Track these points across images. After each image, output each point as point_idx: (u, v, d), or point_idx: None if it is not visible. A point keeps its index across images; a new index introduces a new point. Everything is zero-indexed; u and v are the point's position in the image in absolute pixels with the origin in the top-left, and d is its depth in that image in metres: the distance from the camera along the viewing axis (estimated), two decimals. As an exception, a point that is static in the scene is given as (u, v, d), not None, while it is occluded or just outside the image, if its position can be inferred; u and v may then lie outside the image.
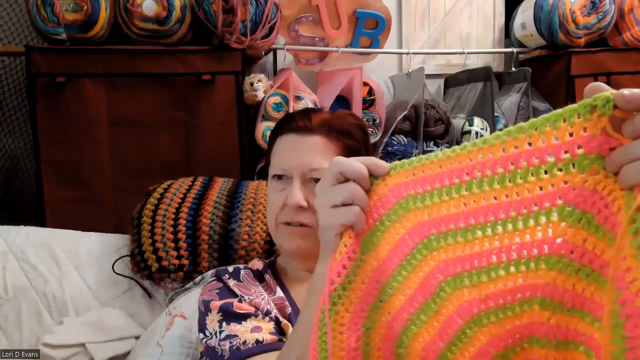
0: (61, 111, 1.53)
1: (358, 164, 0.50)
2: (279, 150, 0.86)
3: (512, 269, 0.43)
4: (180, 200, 1.26)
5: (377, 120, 1.80)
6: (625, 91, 0.36)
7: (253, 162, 1.69)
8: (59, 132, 1.54)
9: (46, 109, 1.52)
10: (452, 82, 2.07)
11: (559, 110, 0.39)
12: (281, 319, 0.79)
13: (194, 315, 1.03)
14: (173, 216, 1.22)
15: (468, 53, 1.99)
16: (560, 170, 0.39)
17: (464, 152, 0.43)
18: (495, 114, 1.81)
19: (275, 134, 0.89)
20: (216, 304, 0.79)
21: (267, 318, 0.77)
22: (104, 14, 1.52)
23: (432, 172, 0.46)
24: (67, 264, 1.29)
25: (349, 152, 0.85)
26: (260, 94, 1.60)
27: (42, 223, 1.52)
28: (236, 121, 1.62)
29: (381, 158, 1.75)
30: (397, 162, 0.49)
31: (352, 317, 0.50)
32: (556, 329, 0.42)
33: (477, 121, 1.77)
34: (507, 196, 0.42)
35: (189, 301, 1.10)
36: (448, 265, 0.47)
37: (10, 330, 1.20)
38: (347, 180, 0.51)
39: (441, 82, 2.14)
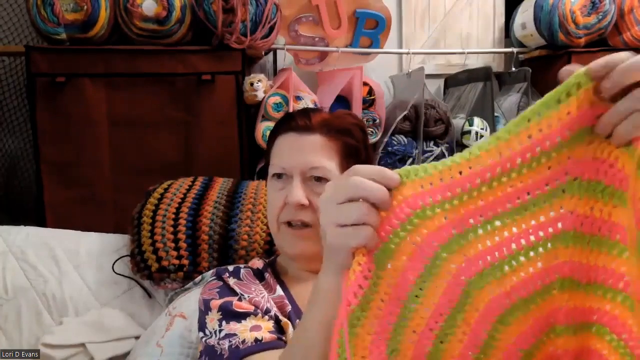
0: (61, 111, 1.53)
1: (377, 187, 0.45)
2: (279, 150, 0.86)
3: (532, 253, 0.44)
4: (180, 200, 1.26)
5: (377, 120, 1.80)
6: (594, 63, 0.40)
7: (253, 162, 1.69)
8: (59, 132, 1.53)
9: (46, 109, 1.52)
10: (452, 82, 2.07)
11: (547, 98, 0.41)
12: (281, 317, 0.79)
13: (194, 315, 1.03)
14: (173, 216, 1.22)
15: (468, 53, 1.99)
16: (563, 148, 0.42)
17: (483, 152, 0.43)
18: (495, 114, 1.81)
19: (275, 133, 0.89)
20: (216, 303, 0.79)
21: (266, 317, 0.77)
22: (104, 14, 1.52)
23: (453, 179, 0.44)
24: (67, 264, 1.29)
25: (348, 150, 0.85)
26: (260, 94, 1.60)
27: (42, 223, 1.52)
28: (236, 121, 1.62)
29: (381, 158, 1.77)
30: (408, 169, 0.46)
31: (374, 340, 0.46)
32: (573, 311, 0.44)
33: (477, 121, 1.77)
34: (521, 182, 0.43)
35: (189, 301, 1.10)
36: (470, 263, 0.45)
37: (10, 330, 1.20)
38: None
39: (441, 82, 2.14)
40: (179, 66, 1.58)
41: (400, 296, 0.47)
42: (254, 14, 1.59)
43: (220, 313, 0.77)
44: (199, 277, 1.16)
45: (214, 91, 1.60)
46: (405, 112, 1.75)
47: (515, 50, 1.97)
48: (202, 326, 0.79)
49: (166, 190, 1.30)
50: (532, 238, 0.44)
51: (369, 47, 1.89)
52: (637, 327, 0.40)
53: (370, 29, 1.86)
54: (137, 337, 1.18)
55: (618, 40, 1.85)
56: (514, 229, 0.44)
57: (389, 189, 0.46)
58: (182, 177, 1.39)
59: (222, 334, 0.74)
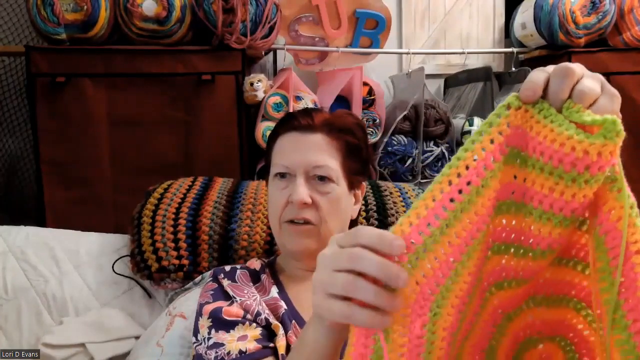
0: (61, 111, 1.53)
1: (378, 263, 0.40)
2: (281, 149, 0.86)
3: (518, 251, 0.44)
4: (180, 200, 1.25)
5: (377, 120, 1.80)
6: (527, 87, 0.42)
7: (253, 162, 1.70)
8: (59, 132, 1.54)
9: (46, 109, 1.52)
10: (452, 82, 2.08)
11: (486, 120, 0.42)
12: (272, 320, 0.79)
13: (193, 315, 1.02)
14: (173, 216, 1.22)
15: (468, 53, 1.99)
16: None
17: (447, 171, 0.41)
18: (495, 114, 1.81)
19: (276, 133, 0.89)
20: (207, 308, 0.80)
21: (254, 324, 0.78)
22: (104, 14, 1.52)
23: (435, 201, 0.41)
24: (67, 264, 1.29)
25: (350, 149, 0.86)
26: (260, 94, 1.60)
27: (42, 223, 1.52)
28: (236, 121, 1.62)
29: (381, 158, 1.77)
30: (402, 225, 0.41)
31: None
32: (552, 283, 0.45)
33: (477, 121, 1.77)
34: (475, 214, 0.42)
35: (189, 301, 1.10)
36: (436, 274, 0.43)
37: (10, 330, 1.20)
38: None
39: (441, 82, 2.14)
40: (179, 66, 1.58)
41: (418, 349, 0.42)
42: (254, 14, 1.59)
43: (210, 320, 0.79)
44: (199, 277, 1.16)
45: (214, 91, 1.60)
46: (405, 112, 1.75)
47: (515, 50, 1.97)
48: (195, 330, 0.81)
49: (166, 190, 1.30)
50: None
51: (369, 47, 1.89)
52: (595, 304, 0.41)
53: (370, 29, 1.86)
54: (137, 337, 1.18)
55: (618, 40, 1.85)
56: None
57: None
58: (182, 177, 1.39)
59: (211, 342, 0.76)
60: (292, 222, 0.83)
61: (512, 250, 0.42)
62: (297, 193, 0.80)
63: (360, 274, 0.41)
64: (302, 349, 0.53)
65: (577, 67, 0.42)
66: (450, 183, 0.41)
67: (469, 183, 0.40)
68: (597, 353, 0.44)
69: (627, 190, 0.38)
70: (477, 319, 0.46)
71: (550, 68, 0.43)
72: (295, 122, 0.86)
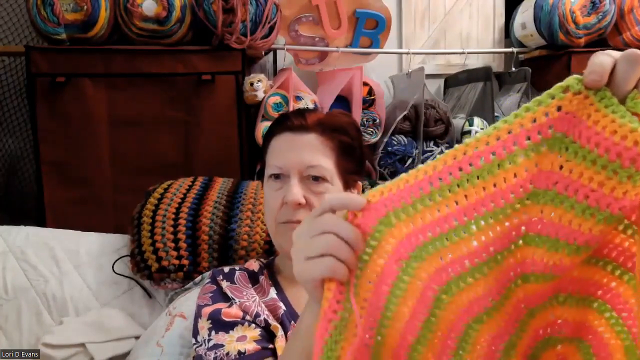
0: (61, 111, 1.53)
1: (345, 226, 0.46)
2: (275, 150, 0.86)
3: (521, 242, 0.42)
4: (180, 200, 1.25)
5: (377, 120, 1.80)
6: (594, 72, 0.39)
7: (253, 162, 1.69)
8: (59, 132, 1.54)
9: (46, 109, 1.52)
10: (452, 82, 2.07)
11: (536, 98, 0.40)
12: (271, 320, 0.79)
13: (193, 315, 1.03)
14: (173, 216, 1.22)
15: (468, 53, 1.99)
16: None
17: (450, 151, 0.42)
18: (495, 114, 1.81)
19: (270, 134, 0.89)
20: (207, 310, 0.80)
21: (253, 325, 0.78)
22: (104, 14, 1.52)
23: (413, 181, 0.43)
24: (67, 264, 1.29)
25: (344, 149, 0.85)
26: (260, 94, 1.60)
27: (42, 223, 1.52)
28: (236, 121, 1.62)
29: (381, 158, 1.77)
30: (376, 189, 0.45)
31: (356, 357, 0.44)
32: (579, 282, 0.43)
33: (477, 121, 1.77)
34: (495, 185, 0.41)
35: (189, 301, 1.10)
36: (445, 269, 0.44)
37: (10, 330, 1.20)
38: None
39: (441, 82, 2.14)
40: (179, 66, 1.58)
41: (372, 324, 0.45)
42: (254, 14, 1.59)
43: (209, 322, 0.79)
44: (199, 277, 1.16)
45: (214, 91, 1.60)
46: (405, 112, 1.75)
47: (515, 50, 1.97)
48: (195, 332, 0.81)
49: (166, 190, 1.30)
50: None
51: (369, 47, 1.89)
52: (638, 308, 0.39)
53: (370, 29, 1.86)
54: (137, 337, 1.18)
55: (618, 40, 1.85)
56: (490, 234, 0.43)
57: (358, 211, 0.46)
58: (182, 177, 1.39)
59: (211, 343, 0.76)
60: (287, 222, 0.83)
61: (547, 244, 0.40)
62: (291, 194, 0.80)
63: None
64: (297, 335, 0.55)
65: None
66: (465, 153, 0.41)
67: (493, 153, 0.40)
68: (616, 358, 0.43)
69: None
70: (498, 308, 0.44)
71: (615, 52, 0.39)
72: (288, 122, 0.85)
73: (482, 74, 1.86)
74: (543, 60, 1.93)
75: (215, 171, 1.48)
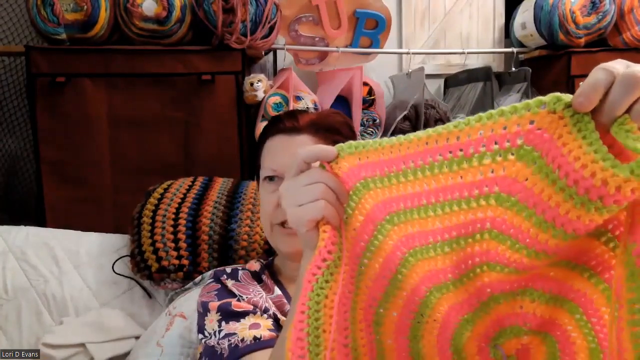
0: (61, 111, 1.53)
1: (325, 148, 0.51)
2: (269, 152, 0.86)
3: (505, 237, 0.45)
4: (180, 200, 1.25)
5: (377, 120, 1.80)
6: (583, 94, 0.36)
7: (253, 162, 1.69)
8: (59, 132, 1.54)
9: (46, 109, 1.52)
10: (452, 82, 2.07)
11: (514, 105, 0.41)
12: (280, 316, 0.79)
13: (194, 315, 1.03)
14: (173, 216, 1.22)
15: (468, 53, 1.99)
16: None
17: (424, 135, 0.46)
18: (495, 114, 1.81)
19: (264, 137, 0.89)
20: (215, 304, 0.80)
21: (265, 315, 0.78)
22: (104, 14, 1.52)
23: (387, 157, 0.48)
24: (67, 264, 1.29)
25: None
26: (260, 94, 1.60)
27: (42, 223, 1.52)
28: (236, 121, 1.62)
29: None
30: (344, 144, 0.51)
31: (341, 299, 0.50)
32: (554, 282, 0.45)
33: (477, 121, 1.77)
34: (461, 177, 0.44)
35: (189, 301, 1.10)
36: (413, 237, 0.48)
37: (10, 330, 1.20)
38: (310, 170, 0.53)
39: (441, 82, 2.14)
40: (179, 66, 1.58)
41: (354, 268, 0.50)
42: (254, 14, 1.59)
43: (219, 314, 0.78)
44: (199, 277, 1.16)
45: (214, 91, 1.60)
46: (405, 112, 1.75)
47: (515, 50, 1.97)
48: (201, 328, 0.80)
49: (166, 190, 1.30)
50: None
51: (369, 47, 1.89)
52: (609, 317, 0.41)
53: (370, 29, 1.86)
54: (137, 337, 1.18)
55: (618, 40, 1.85)
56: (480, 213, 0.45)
57: (330, 162, 0.51)
58: (182, 177, 1.39)
59: (222, 334, 0.75)
60: (282, 224, 0.83)
61: (509, 242, 0.42)
62: None
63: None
64: (299, 291, 0.54)
65: None
66: (436, 142, 0.44)
67: (461, 150, 0.43)
68: (580, 357, 0.45)
69: None
70: (457, 286, 0.47)
71: (617, 67, 0.36)
72: (280, 124, 0.86)
73: (482, 74, 1.86)
74: (543, 60, 1.93)
75: (215, 171, 1.48)
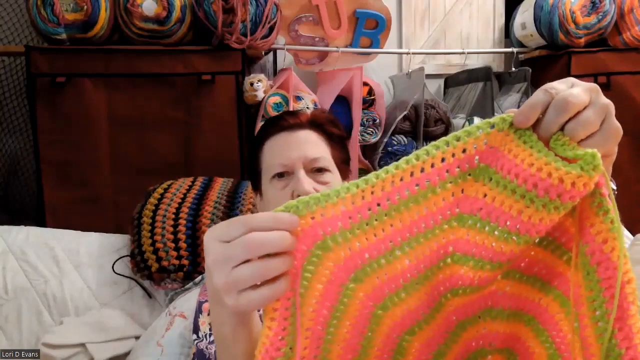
0: (61, 111, 1.53)
1: (279, 237, 0.40)
2: (274, 150, 0.85)
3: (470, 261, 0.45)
4: (180, 201, 1.26)
5: (377, 120, 1.80)
6: (522, 112, 0.41)
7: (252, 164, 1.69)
8: (59, 132, 1.54)
9: (46, 109, 1.53)
10: (452, 82, 2.08)
11: (466, 129, 0.43)
12: None
13: (193, 315, 1.03)
14: (173, 216, 1.22)
15: (468, 53, 1.99)
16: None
17: (389, 175, 0.43)
18: (495, 114, 1.81)
19: (263, 138, 0.88)
20: (207, 305, 0.80)
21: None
22: (104, 14, 1.52)
23: (350, 206, 0.43)
24: (67, 264, 1.29)
25: (335, 140, 0.88)
26: (260, 94, 1.60)
27: (42, 223, 1.52)
28: (236, 121, 1.62)
29: (381, 158, 1.77)
30: (307, 199, 0.42)
31: None
32: (511, 298, 0.46)
33: (477, 121, 1.77)
34: (426, 208, 0.44)
35: (189, 301, 1.10)
36: (382, 287, 0.46)
37: (10, 330, 1.20)
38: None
39: (441, 82, 2.14)
40: (179, 66, 1.58)
41: (319, 343, 0.45)
42: (254, 14, 1.59)
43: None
44: (199, 277, 1.16)
45: (214, 91, 1.60)
46: (405, 112, 1.75)
47: (515, 50, 1.97)
48: (195, 328, 0.81)
49: (166, 190, 1.30)
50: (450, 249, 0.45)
51: (369, 47, 1.89)
52: (566, 327, 0.43)
53: (370, 29, 1.86)
54: (137, 337, 1.18)
55: (618, 40, 1.85)
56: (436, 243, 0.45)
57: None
58: (182, 177, 1.39)
59: (212, 337, 0.76)
60: None
61: (472, 262, 0.44)
62: (304, 186, 0.79)
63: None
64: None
65: (581, 96, 0.39)
66: (402, 179, 0.43)
67: (428, 180, 0.43)
68: None
69: (619, 222, 0.39)
70: (429, 321, 0.47)
71: (558, 88, 0.41)
72: (283, 122, 0.86)
73: (482, 74, 1.86)
74: (543, 60, 1.93)
75: (215, 171, 1.48)
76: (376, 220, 0.44)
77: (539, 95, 0.41)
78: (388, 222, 0.44)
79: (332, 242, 0.43)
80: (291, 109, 1.60)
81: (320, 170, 0.83)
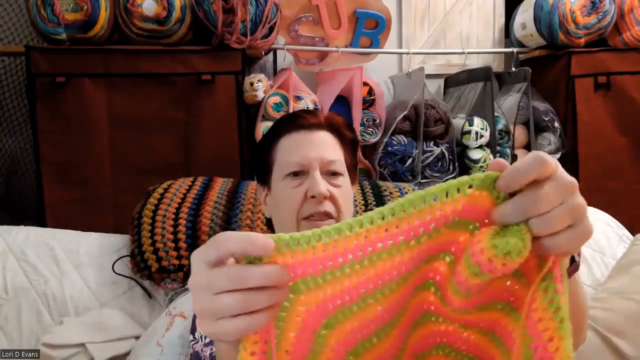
0: (61, 111, 1.53)
1: (259, 274, 0.39)
2: (291, 148, 0.84)
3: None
4: (180, 200, 1.26)
5: (377, 120, 1.80)
6: (505, 178, 0.39)
7: (253, 162, 1.69)
8: (59, 132, 1.54)
9: (46, 109, 1.53)
10: (452, 82, 2.08)
11: (442, 186, 0.41)
12: None
13: (192, 315, 1.03)
14: (173, 216, 1.22)
15: (468, 53, 1.99)
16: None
17: (353, 234, 0.42)
18: (495, 114, 1.81)
19: (277, 135, 0.86)
20: None
21: None
22: (104, 14, 1.52)
23: (322, 254, 0.42)
24: (67, 264, 1.29)
25: (349, 144, 0.88)
26: (260, 94, 1.60)
27: (42, 223, 1.52)
28: (236, 121, 1.62)
29: (381, 158, 1.77)
30: (287, 238, 0.40)
31: None
32: (465, 341, 0.47)
33: (477, 121, 1.77)
34: (399, 258, 0.43)
35: (189, 301, 1.10)
36: (354, 333, 0.46)
37: (10, 330, 1.20)
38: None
39: (441, 82, 2.14)
40: (179, 66, 1.58)
41: None
42: (254, 14, 1.59)
43: None
44: (199, 277, 1.16)
45: (214, 91, 1.60)
46: (405, 112, 1.75)
47: (515, 50, 1.97)
48: (193, 329, 0.81)
49: (166, 190, 1.30)
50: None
51: (369, 47, 1.89)
52: (519, 339, 0.42)
53: (370, 29, 1.86)
54: (137, 337, 1.18)
55: (618, 40, 1.85)
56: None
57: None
58: (182, 177, 1.39)
59: (207, 339, 0.76)
60: (309, 218, 0.81)
61: (433, 288, 0.45)
62: (319, 187, 0.78)
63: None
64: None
65: (550, 197, 0.37)
66: (387, 230, 0.42)
67: (402, 237, 0.42)
68: None
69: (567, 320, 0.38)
70: (400, 357, 0.48)
71: (547, 169, 0.38)
72: (303, 121, 0.85)
73: (482, 74, 1.86)
74: (543, 60, 1.93)
75: (215, 171, 1.48)
76: (348, 268, 0.42)
77: (525, 167, 0.38)
78: (361, 272, 0.43)
79: (303, 286, 0.42)
80: (291, 109, 1.60)
81: (335, 173, 0.83)
